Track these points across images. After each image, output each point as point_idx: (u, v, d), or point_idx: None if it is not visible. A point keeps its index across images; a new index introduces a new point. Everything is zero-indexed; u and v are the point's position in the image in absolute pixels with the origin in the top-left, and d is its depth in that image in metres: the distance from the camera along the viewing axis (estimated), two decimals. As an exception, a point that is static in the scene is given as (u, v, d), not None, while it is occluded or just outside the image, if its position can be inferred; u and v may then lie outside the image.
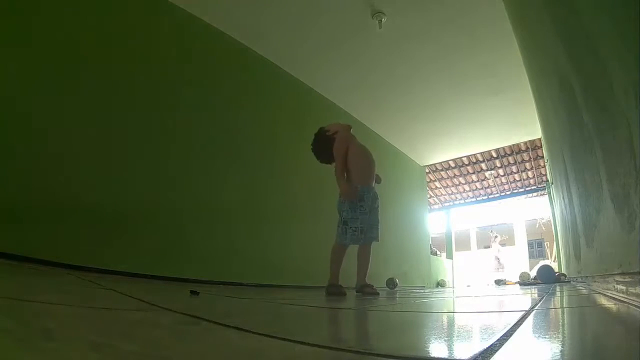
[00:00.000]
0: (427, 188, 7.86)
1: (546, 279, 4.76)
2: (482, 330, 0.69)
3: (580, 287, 2.50)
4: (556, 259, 7.00)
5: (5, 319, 0.49)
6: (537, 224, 10.02)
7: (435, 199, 9.47)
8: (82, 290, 1.15)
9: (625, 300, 1.01)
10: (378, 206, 2.26)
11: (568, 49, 1.15)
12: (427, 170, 7.38)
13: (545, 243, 8.53)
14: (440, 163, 7.48)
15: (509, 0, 2.64)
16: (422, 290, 3.42)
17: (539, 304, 1.22)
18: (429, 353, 0.47)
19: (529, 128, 5.10)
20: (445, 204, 9.78)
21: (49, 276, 1.50)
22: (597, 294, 1.55)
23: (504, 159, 7.42)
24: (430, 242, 7.14)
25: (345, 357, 0.42)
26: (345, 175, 2.24)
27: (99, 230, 2.15)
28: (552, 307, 1.19)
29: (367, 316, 1.02)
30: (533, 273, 6.06)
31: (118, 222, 2.24)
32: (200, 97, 2.95)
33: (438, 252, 8.61)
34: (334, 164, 2.28)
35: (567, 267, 4.61)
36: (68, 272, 1.78)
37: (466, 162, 7.66)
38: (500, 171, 7.94)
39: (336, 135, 2.31)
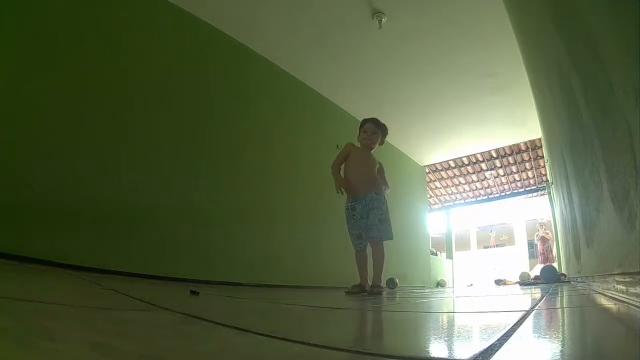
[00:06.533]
0: (427, 188, 7.86)
1: (548, 278, 4.76)
2: (482, 330, 0.69)
3: (580, 287, 2.50)
4: (556, 259, 7.00)
5: (5, 319, 0.49)
6: (537, 224, 10.03)
7: (435, 199, 9.47)
8: (82, 290, 1.15)
9: (625, 300, 1.01)
10: (375, 207, 2.30)
11: (568, 48, 1.15)
12: (427, 170, 7.39)
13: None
14: (440, 163, 7.48)
15: None
16: (422, 290, 3.42)
17: (539, 304, 1.22)
18: (429, 353, 0.47)
19: (529, 128, 5.10)
20: (445, 204, 9.78)
21: (49, 276, 1.50)
22: (597, 294, 1.54)
23: (504, 159, 7.42)
24: (430, 243, 7.15)
25: (345, 357, 0.42)
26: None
27: (99, 230, 2.15)
28: (552, 307, 1.19)
29: (367, 316, 1.02)
30: (533, 273, 6.07)
31: (118, 222, 2.24)
32: (199, 97, 2.95)
33: (438, 253, 8.62)
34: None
35: (567, 267, 4.61)
36: (68, 272, 1.78)
37: (466, 162, 7.66)
38: (500, 171, 7.94)
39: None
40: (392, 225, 2.35)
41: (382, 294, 2.16)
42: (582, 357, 0.43)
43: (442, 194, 9.38)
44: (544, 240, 7.67)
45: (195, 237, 2.69)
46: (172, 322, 0.67)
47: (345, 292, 2.23)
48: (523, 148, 6.91)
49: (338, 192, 2.37)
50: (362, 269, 2.34)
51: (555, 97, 1.77)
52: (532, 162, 7.41)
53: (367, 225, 2.28)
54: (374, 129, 2.50)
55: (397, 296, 2.18)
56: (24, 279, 1.27)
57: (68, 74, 2.16)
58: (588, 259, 1.93)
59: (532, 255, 12.46)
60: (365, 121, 2.57)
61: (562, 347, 0.46)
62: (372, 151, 2.53)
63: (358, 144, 2.55)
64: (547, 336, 0.60)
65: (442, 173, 8.22)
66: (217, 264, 2.79)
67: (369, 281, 2.31)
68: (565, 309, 1.11)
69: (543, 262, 7.36)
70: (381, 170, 2.54)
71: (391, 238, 2.32)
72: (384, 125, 2.58)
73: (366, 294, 2.17)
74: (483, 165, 7.77)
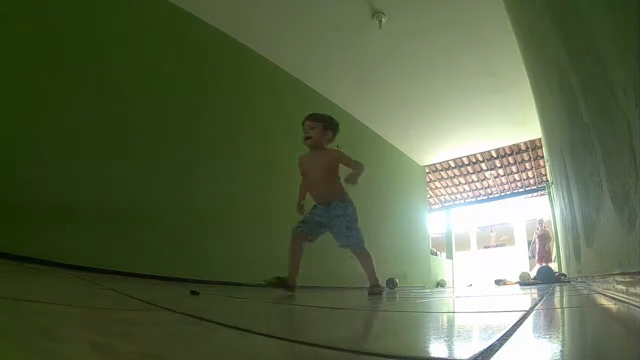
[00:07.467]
0: (427, 188, 7.86)
1: (546, 279, 4.77)
2: (482, 330, 0.69)
3: (580, 287, 2.50)
4: (556, 259, 7.00)
5: (5, 318, 0.49)
6: (537, 222, 10.03)
7: (435, 199, 9.47)
8: (82, 290, 1.15)
9: (625, 300, 1.01)
10: (340, 214, 2.11)
11: (568, 49, 1.15)
12: (427, 170, 7.39)
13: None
14: (440, 163, 7.48)
15: None
16: (421, 290, 3.42)
17: (539, 304, 1.22)
18: (428, 353, 0.47)
19: (529, 128, 5.10)
20: (445, 204, 9.79)
21: (49, 276, 1.50)
22: (597, 294, 1.55)
23: (504, 159, 7.43)
24: (430, 243, 7.15)
25: (345, 357, 0.42)
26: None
27: (99, 230, 2.15)
28: (552, 307, 1.19)
29: (367, 316, 1.02)
30: (533, 273, 6.07)
31: (118, 222, 2.24)
32: (199, 97, 2.96)
33: (438, 253, 8.62)
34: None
35: (567, 267, 4.61)
36: (68, 272, 1.78)
37: (466, 162, 7.67)
38: (500, 171, 7.94)
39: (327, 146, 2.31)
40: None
41: (382, 293, 2.15)
42: (582, 357, 0.43)
43: (442, 194, 9.38)
44: (542, 238, 7.63)
45: (195, 237, 2.69)
46: (172, 322, 0.67)
47: (265, 280, 2.01)
48: (523, 148, 6.91)
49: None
50: (293, 262, 2.11)
51: (555, 97, 1.77)
52: (532, 162, 7.42)
53: (335, 233, 2.13)
54: (311, 124, 2.24)
55: (397, 296, 2.18)
56: (24, 279, 1.27)
57: (68, 74, 2.16)
58: (588, 259, 1.93)
59: (532, 255, 12.46)
60: (303, 120, 2.30)
61: (562, 347, 0.46)
62: (326, 147, 2.28)
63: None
64: (547, 336, 0.60)
65: (442, 173, 8.23)
66: (217, 264, 2.79)
67: (296, 280, 2.12)
68: (565, 309, 1.11)
69: (539, 261, 7.34)
70: (344, 159, 2.21)
71: (361, 246, 2.13)
72: (327, 117, 2.30)
73: (286, 288, 2.00)
74: (483, 165, 7.77)
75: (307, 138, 2.23)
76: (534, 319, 0.80)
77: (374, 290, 2.11)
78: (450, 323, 0.85)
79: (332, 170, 2.21)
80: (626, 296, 1.02)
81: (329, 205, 2.14)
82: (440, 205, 9.81)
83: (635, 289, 0.91)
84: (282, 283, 2.01)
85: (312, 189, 2.24)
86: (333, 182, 2.19)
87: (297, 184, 3.63)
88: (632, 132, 0.67)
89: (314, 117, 2.28)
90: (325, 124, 2.28)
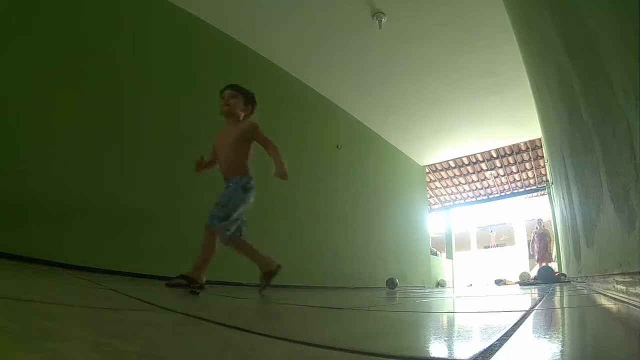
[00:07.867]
0: (427, 188, 7.86)
1: (546, 279, 4.77)
2: (482, 330, 0.69)
3: (580, 287, 2.50)
4: (556, 259, 7.00)
5: (5, 318, 0.49)
6: (536, 220, 10.03)
7: (435, 199, 9.47)
8: (82, 290, 1.15)
9: (625, 300, 1.01)
10: (231, 191, 2.04)
11: (568, 49, 1.15)
12: (427, 170, 7.39)
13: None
14: (440, 163, 7.49)
15: None
16: (422, 290, 3.42)
17: (539, 304, 1.22)
18: (429, 353, 0.47)
19: (529, 128, 5.11)
20: (445, 204, 9.79)
21: (49, 276, 1.50)
22: (597, 294, 1.55)
23: (504, 159, 7.43)
24: (430, 243, 7.15)
25: (345, 357, 0.42)
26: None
27: (99, 230, 2.15)
28: (552, 307, 1.19)
29: (367, 316, 1.02)
30: (533, 273, 6.07)
31: (118, 222, 2.25)
32: (199, 97, 2.95)
33: (438, 253, 8.62)
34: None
35: (567, 267, 4.61)
36: (68, 272, 1.78)
37: (466, 162, 7.67)
38: (500, 171, 7.94)
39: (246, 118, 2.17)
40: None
41: (184, 286, 1.78)
42: (582, 357, 0.43)
43: (442, 194, 9.38)
44: (541, 237, 7.60)
45: (195, 237, 2.68)
46: (172, 322, 0.67)
47: (259, 291, 1.95)
48: (523, 148, 6.91)
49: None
50: (252, 256, 2.03)
51: (555, 97, 1.77)
52: (532, 162, 7.42)
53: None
54: (232, 93, 2.12)
55: (397, 296, 2.18)
56: (24, 279, 1.27)
57: (69, 75, 2.16)
58: (588, 259, 1.93)
59: (532, 255, 12.46)
60: (223, 89, 2.16)
61: (562, 347, 0.46)
62: (241, 120, 2.14)
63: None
64: (547, 336, 0.60)
65: (442, 173, 8.23)
66: (217, 264, 2.79)
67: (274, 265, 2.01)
68: (565, 309, 1.11)
69: (539, 261, 7.33)
70: (258, 135, 2.08)
71: (217, 223, 1.96)
72: (249, 92, 2.19)
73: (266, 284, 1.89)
74: (483, 165, 7.77)
75: (225, 105, 2.10)
76: (534, 319, 0.80)
77: (178, 282, 1.77)
78: (451, 323, 0.85)
79: (241, 143, 2.07)
80: (626, 296, 1.02)
81: (229, 181, 2.03)
82: (440, 205, 9.81)
83: (635, 289, 0.91)
84: (267, 278, 1.94)
85: (220, 159, 2.12)
86: (235, 156, 2.06)
87: (296, 184, 3.64)
88: (632, 132, 0.67)
89: (236, 88, 2.15)
90: (246, 98, 2.17)
